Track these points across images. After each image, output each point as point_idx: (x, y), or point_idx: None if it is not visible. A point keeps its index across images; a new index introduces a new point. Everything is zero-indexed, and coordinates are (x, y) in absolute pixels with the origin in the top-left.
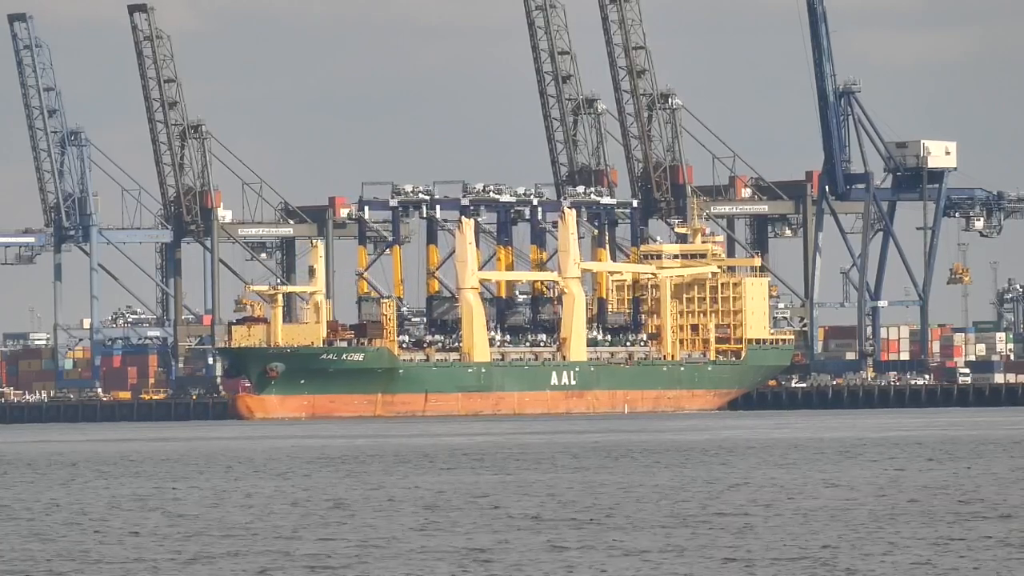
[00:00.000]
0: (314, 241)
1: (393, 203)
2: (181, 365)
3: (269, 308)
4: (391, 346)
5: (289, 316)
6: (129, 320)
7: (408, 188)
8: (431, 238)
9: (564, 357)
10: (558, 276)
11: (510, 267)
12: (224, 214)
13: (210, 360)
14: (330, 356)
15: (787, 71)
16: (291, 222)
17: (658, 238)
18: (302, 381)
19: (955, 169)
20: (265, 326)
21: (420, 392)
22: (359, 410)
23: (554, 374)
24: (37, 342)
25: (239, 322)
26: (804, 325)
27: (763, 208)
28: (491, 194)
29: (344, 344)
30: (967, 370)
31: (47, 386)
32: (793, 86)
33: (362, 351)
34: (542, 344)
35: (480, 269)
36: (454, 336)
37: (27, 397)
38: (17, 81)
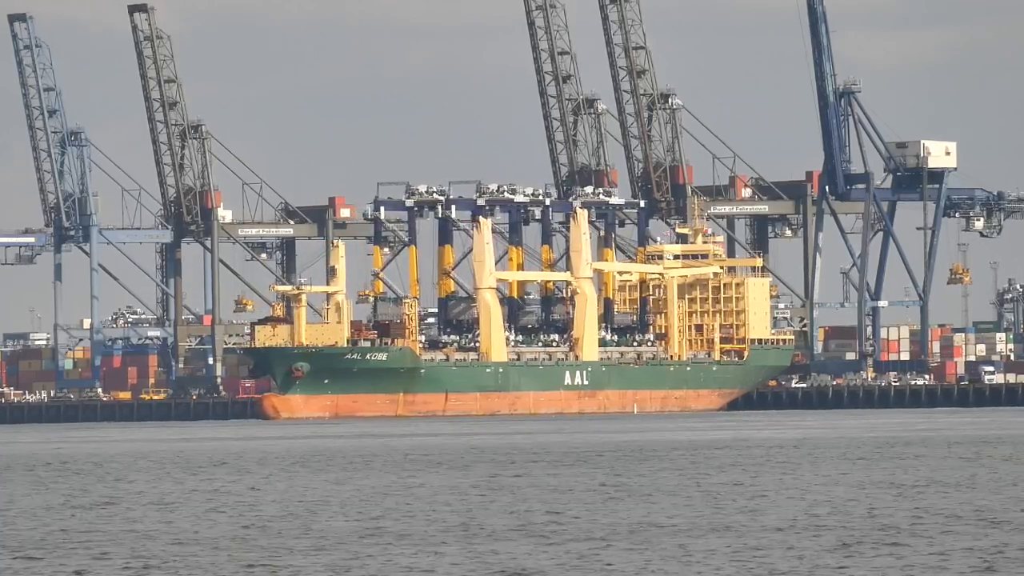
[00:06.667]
0: (335, 241)
1: (409, 203)
2: (181, 365)
3: (292, 308)
4: (413, 346)
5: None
6: (129, 320)
7: (422, 188)
8: (445, 238)
9: (576, 357)
10: (571, 276)
11: (521, 267)
12: (224, 214)
13: (210, 360)
14: (354, 356)
15: (787, 71)
16: (291, 222)
17: (659, 238)
18: (326, 381)
19: (955, 169)
20: (289, 326)
21: (441, 392)
22: (381, 410)
23: (567, 374)
24: (37, 342)
25: (261, 322)
26: (804, 325)
27: (763, 208)
28: (505, 194)
29: (367, 344)
30: (992, 368)
31: (47, 386)
32: (793, 86)
33: (385, 351)
34: (554, 344)
35: None
36: (470, 336)
37: (27, 397)
38: (17, 81)
